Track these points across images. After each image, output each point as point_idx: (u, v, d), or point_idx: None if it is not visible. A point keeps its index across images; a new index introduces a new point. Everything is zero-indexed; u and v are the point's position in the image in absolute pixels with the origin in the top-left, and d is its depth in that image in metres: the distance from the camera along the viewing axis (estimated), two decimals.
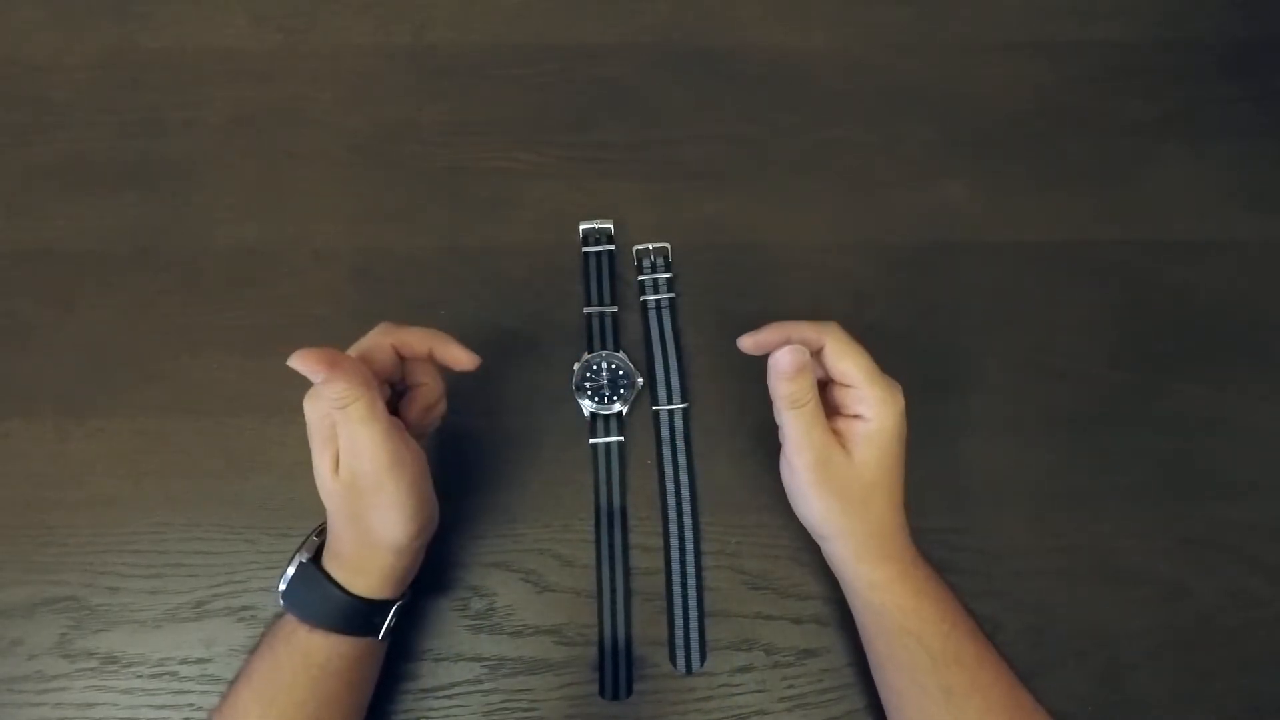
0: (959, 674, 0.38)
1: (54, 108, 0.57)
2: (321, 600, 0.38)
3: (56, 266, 0.53)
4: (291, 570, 0.39)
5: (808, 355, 0.37)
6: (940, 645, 0.38)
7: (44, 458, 0.48)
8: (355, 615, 0.38)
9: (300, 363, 0.34)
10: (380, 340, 0.39)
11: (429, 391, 0.41)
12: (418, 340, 0.39)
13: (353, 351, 0.38)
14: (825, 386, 0.41)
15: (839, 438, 0.39)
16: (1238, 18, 0.60)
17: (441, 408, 0.43)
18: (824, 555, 0.43)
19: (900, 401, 0.39)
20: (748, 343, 0.41)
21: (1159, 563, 0.47)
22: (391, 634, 0.41)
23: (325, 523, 0.40)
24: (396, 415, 0.40)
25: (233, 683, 0.39)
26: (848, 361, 0.39)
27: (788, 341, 0.39)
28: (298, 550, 0.40)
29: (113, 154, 0.55)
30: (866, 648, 0.42)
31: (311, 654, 0.38)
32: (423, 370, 0.41)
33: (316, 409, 0.37)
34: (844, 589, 0.42)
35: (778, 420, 0.39)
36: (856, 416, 0.39)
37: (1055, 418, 0.50)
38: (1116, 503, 0.48)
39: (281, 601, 0.39)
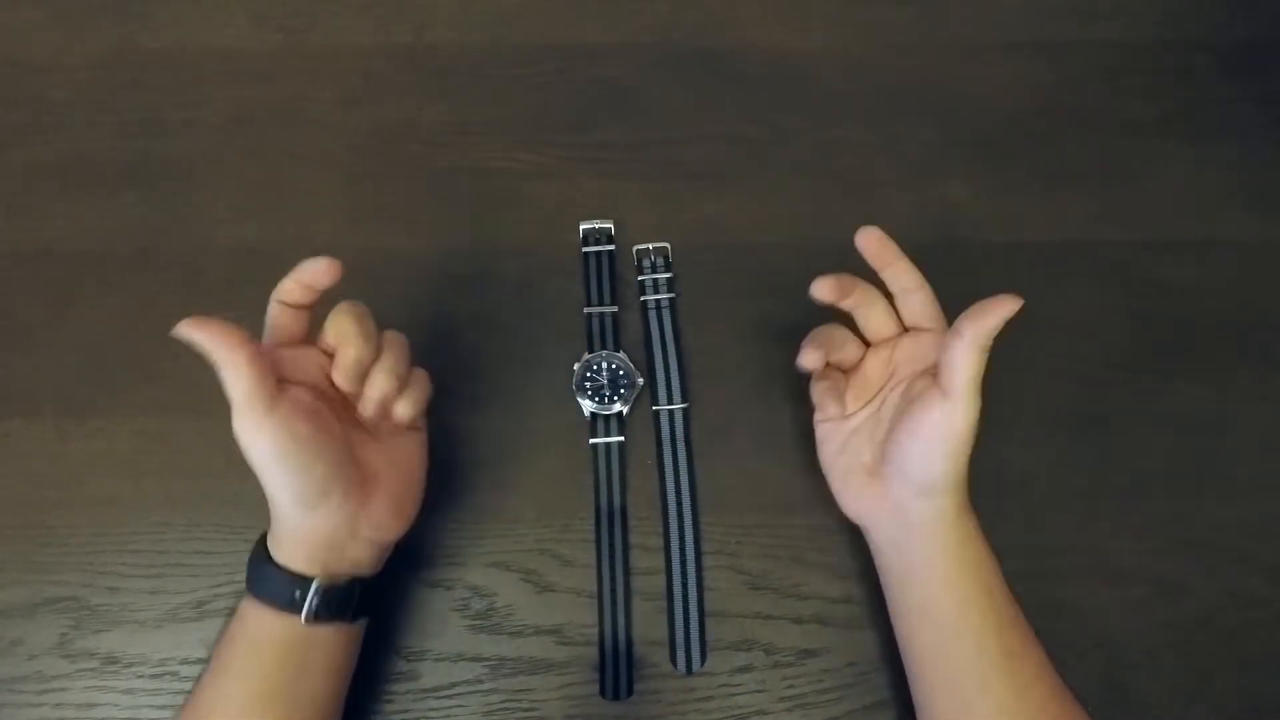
0: (1018, 636, 0.39)
1: (54, 108, 0.57)
2: (254, 566, 0.38)
3: (56, 266, 0.53)
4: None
5: None
6: (1006, 604, 0.39)
7: (44, 458, 0.48)
8: (272, 582, 0.38)
9: (181, 331, 0.36)
10: (270, 305, 0.39)
11: (343, 351, 0.38)
12: (285, 282, 0.39)
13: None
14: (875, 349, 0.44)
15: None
16: (1238, 18, 0.60)
17: (405, 400, 0.40)
18: (904, 517, 0.40)
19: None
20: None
21: (1159, 563, 0.47)
22: (316, 618, 0.37)
23: None
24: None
25: None
26: (937, 306, 0.41)
27: (888, 266, 0.42)
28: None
29: (113, 154, 0.55)
30: (910, 613, 0.41)
31: (248, 626, 0.38)
32: (330, 327, 0.39)
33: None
34: (921, 553, 0.40)
35: (952, 360, 0.37)
36: (928, 372, 0.40)
37: (1055, 418, 0.50)
38: (1116, 503, 0.48)
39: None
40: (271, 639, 0.38)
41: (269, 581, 0.38)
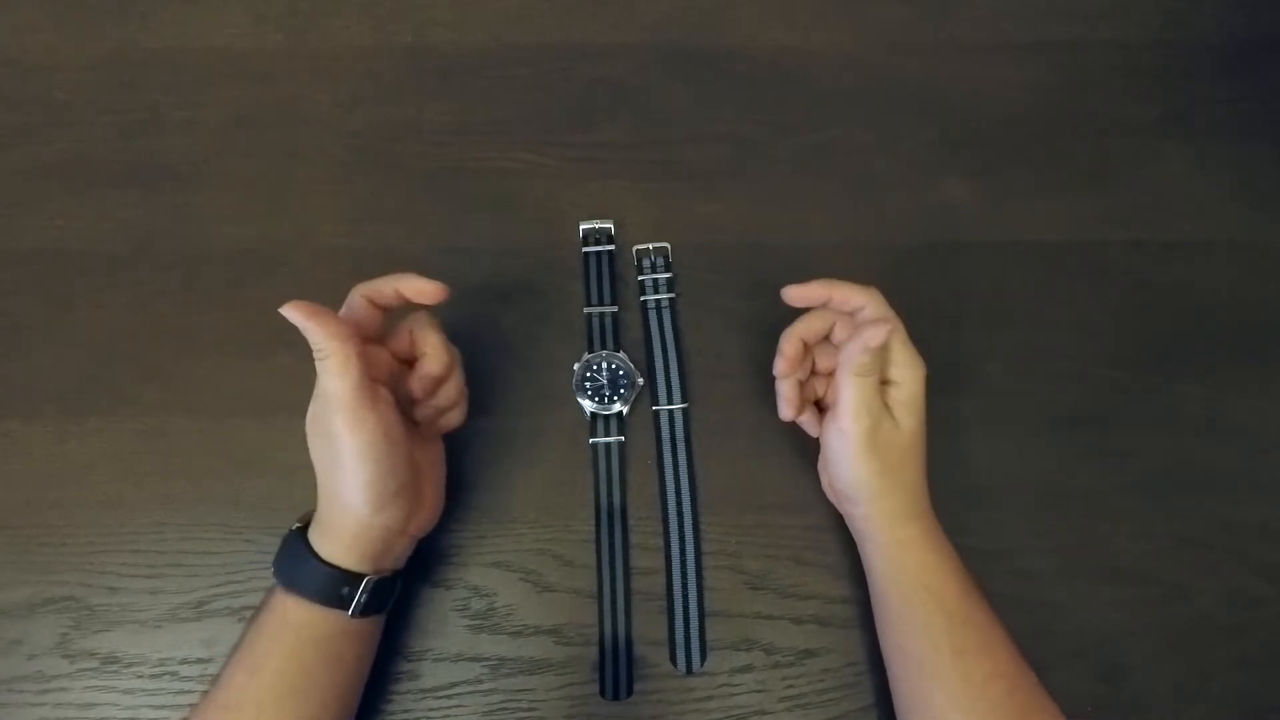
0: (971, 634, 0.39)
1: (54, 108, 0.57)
2: (295, 563, 0.39)
3: (56, 266, 0.53)
4: (282, 541, 0.40)
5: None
6: (955, 605, 0.40)
7: (44, 458, 0.48)
8: (321, 580, 0.38)
9: (289, 311, 0.36)
10: (354, 297, 0.40)
11: (431, 362, 0.41)
12: (384, 284, 0.40)
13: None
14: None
15: None
16: (1238, 18, 0.60)
17: (457, 409, 0.44)
18: (852, 521, 0.44)
19: (924, 368, 0.42)
20: (793, 293, 0.43)
21: (1159, 563, 0.47)
22: (363, 612, 0.39)
23: None
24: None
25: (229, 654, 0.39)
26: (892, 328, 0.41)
27: (829, 299, 0.42)
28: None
29: (113, 154, 0.55)
30: (881, 613, 0.42)
31: (288, 621, 0.38)
32: (422, 339, 0.41)
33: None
34: (868, 553, 0.43)
35: (839, 386, 0.41)
36: (887, 383, 0.42)
37: (1055, 418, 0.50)
38: (1116, 503, 0.48)
39: (272, 567, 0.39)
40: (314, 632, 0.38)
41: (315, 578, 0.38)
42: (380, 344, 0.41)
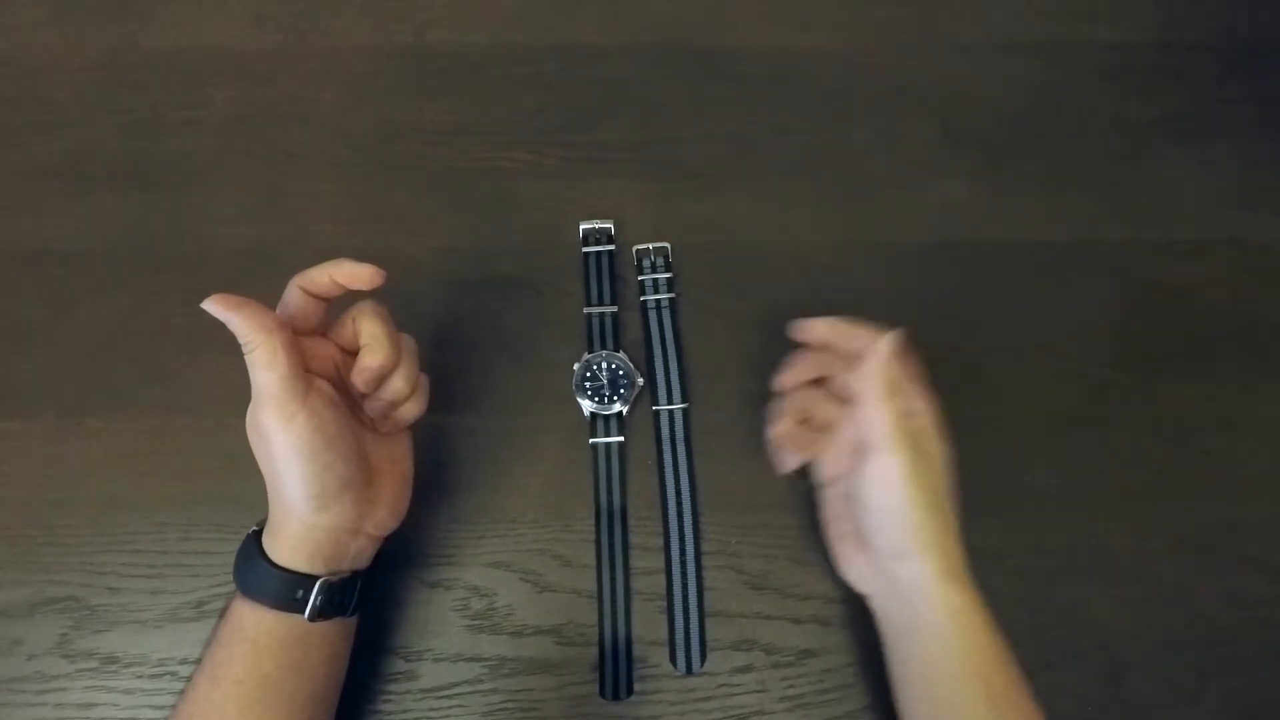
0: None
1: (54, 108, 0.57)
2: (247, 566, 0.38)
3: (56, 266, 0.53)
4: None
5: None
6: (1003, 691, 0.37)
7: (44, 458, 0.48)
8: (274, 583, 0.37)
9: (211, 305, 0.35)
10: (290, 288, 0.38)
11: (371, 354, 0.39)
12: (318, 272, 0.38)
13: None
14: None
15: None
16: (1238, 18, 0.60)
17: (413, 402, 0.41)
18: (894, 585, 0.40)
19: (932, 398, 0.40)
20: (799, 331, 0.43)
21: (1159, 563, 0.47)
22: (320, 615, 0.37)
23: None
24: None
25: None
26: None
27: (826, 342, 0.42)
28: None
29: (113, 154, 0.55)
30: (911, 687, 0.39)
31: (244, 628, 0.37)
32: (362, 329, 0.39)
33: None
34: (907, 619, 0.39)
35: (866, 418, 0.38)
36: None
37: (1055, 418, 0.50)
38: (1116, 503, 0.48)
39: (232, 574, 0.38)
40: (271, 639, 0.37)
41: (267, 582, 0.37)
42: (324, 336, 0.39)
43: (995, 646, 0.38)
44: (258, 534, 0.39)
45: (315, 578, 0.37)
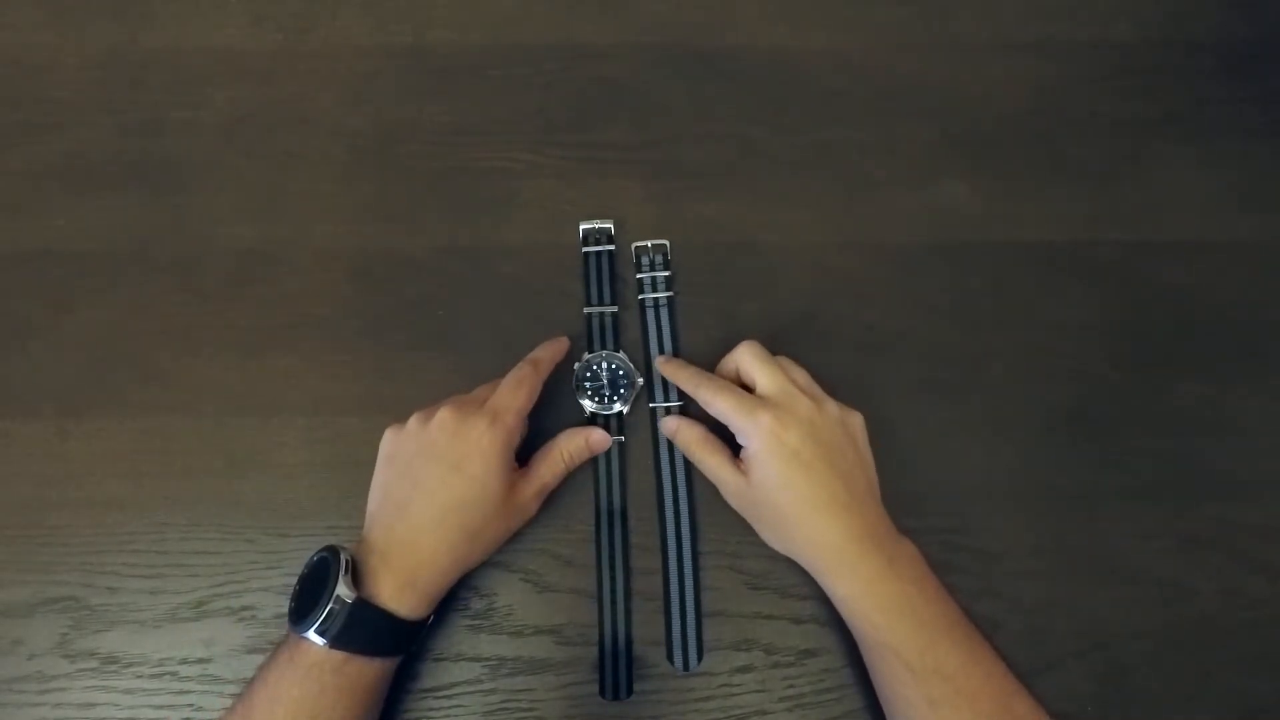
0: (940, 685, 0.38)
1: (54, 108, 0.57)
2: (371, 631, 0.38)
3: (56, 266, 0.53)
4: (333, 607, 0.37)
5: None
6: (918, 658, 0.38)
7: (44, 458, 0.48)
8: (402, 638, 0.40)
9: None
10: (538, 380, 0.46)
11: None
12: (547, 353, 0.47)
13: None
14: None
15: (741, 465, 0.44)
16: (1238, 18, 0.60)
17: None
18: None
19: (765, 423, 0.42)
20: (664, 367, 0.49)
21: (1159, 563, 0.47)
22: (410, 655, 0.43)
23: (328, 548, 0.39)
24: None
25: (243, 696, 0.38)
26: (720, 400, 0.44)
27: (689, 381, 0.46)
28: (331, 587, 0.37)
29: (113, 154, 0.55)
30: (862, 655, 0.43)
31: (344, 676, 0.37)
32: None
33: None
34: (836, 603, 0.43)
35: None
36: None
37: (1055, 418, 0.50)
38: (1116, 503, 0.48)
39: (321, 638, 0.37)
40: (366, 684, 0.38)
41: (383, 638, 0.38)
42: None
43: (896, 623, 0.39)
44: (362, 600, 0.38)
45: (424, 623, 0.41)
